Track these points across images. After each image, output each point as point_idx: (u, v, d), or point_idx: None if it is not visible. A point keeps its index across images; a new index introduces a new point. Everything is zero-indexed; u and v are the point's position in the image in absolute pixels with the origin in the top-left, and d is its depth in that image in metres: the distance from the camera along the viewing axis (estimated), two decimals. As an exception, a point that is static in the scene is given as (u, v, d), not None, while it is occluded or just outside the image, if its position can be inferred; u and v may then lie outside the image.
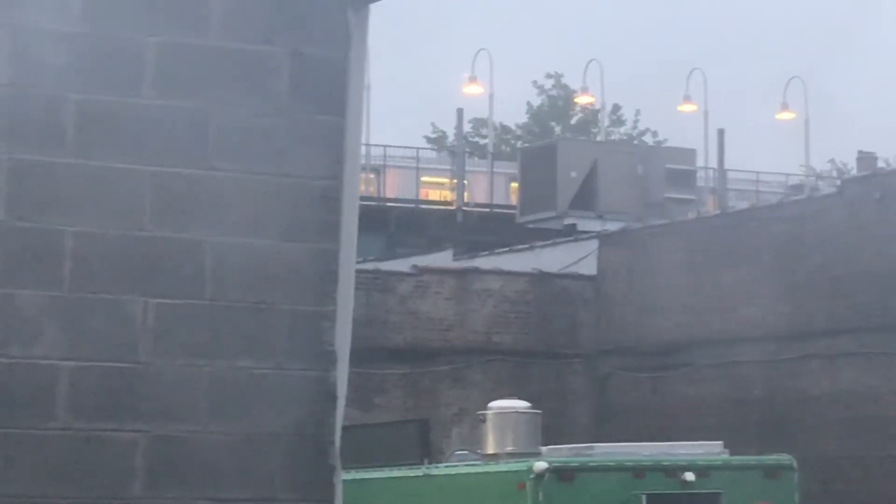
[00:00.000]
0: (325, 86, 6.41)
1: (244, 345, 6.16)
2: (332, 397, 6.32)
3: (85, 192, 6.06)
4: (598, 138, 48.17)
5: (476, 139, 54.19)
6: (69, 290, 6.00)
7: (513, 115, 56.91)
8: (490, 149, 45.29)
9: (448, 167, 41.63)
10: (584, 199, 31.91)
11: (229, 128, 6.25)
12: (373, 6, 6.53)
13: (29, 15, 5.99)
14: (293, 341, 6.23)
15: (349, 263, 6.44)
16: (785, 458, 15.85)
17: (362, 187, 37.07)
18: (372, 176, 38.87)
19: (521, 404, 16.19)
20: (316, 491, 6.30)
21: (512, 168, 39.71)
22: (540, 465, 14.62)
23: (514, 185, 40.09)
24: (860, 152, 46.57)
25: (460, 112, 39.70)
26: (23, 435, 5.98)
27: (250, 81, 6.31)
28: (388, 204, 37.57)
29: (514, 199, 37.85)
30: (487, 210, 37.82)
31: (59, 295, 5.99)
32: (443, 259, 28.43)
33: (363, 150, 37.76)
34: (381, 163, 40.41)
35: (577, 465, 14.92)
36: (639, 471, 14.98)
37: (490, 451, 15.63)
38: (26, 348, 5.99)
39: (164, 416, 6.06)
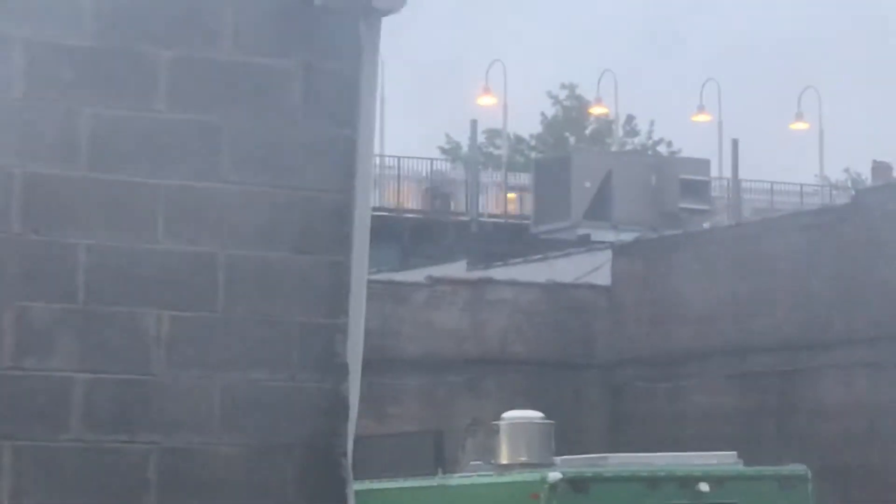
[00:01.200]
0: (336, 99, 6.44)
1: (257, 357, 6.19)
2: (345, 409, 6.34)
3: (98, 206, 6.09)
4: (613, 149, 48.18)
5: (490, 150, 54.22)
6: (83, 303, 6.03)
7: (527, 125, 56.94)
8: (504, 159, 45.32)
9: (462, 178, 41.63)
10: (598, 209, 31.92)
11: (242, 141, 6.28)
12: (385, 18, 6.56)
13: (42, 29, 6.03)
14: (305, 353, 6.26)
15: (361, 275, 6.46)
16: (800, 468, 15.83)
17: (376, 200, 37.15)
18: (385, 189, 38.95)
19: (534, 415, 16.19)
20: (328, 502, 6.32)
21: (525, 179, 39.71)
22: (554, 475, 14.62)
23: (511, 195, 40.07)
24: (875, 162, 46.52)
25: (474, 123, 39.75)
26: (37, 447, 6.01)
27: (262, 95, 6.34)
28: (403, 215, 37.61)
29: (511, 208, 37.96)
30: (501, 220, 37.85)
31: (72, 308, 6.02)
32: (457, 269, 28.47)
33: (377, 161, 37.85)
34: (395, 173, 40.42)
35: (591, 475, 14.92)
36: (653, 481, 14.97)
37: (504, 461, 15.63)
38: (40, 360, 6.02)
39: (177, 427, 6.09)
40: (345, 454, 6.34)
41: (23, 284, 6.01)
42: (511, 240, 33.23)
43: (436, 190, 39.11)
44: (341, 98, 6.45)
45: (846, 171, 58.48)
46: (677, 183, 32.23)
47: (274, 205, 6.32)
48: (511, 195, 40.63)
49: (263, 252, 6.25)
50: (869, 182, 45.99)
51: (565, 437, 18.37)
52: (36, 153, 6.07)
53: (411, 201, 40.46)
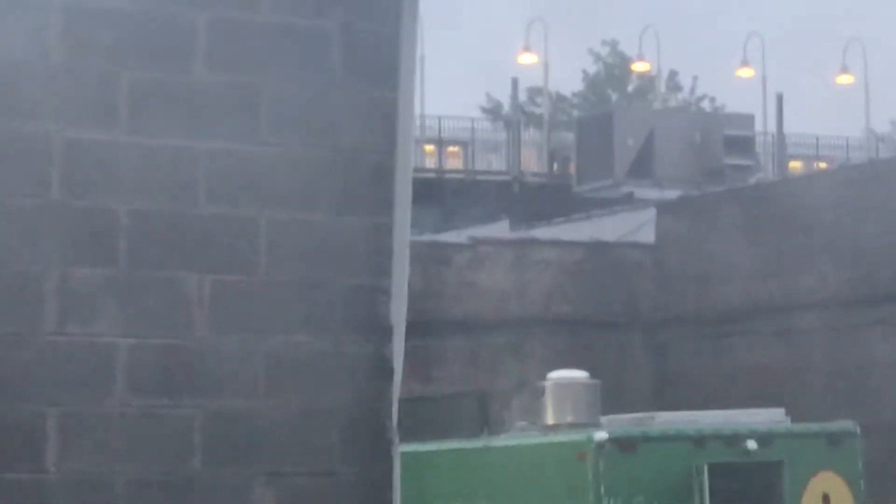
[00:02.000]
0: (377, 60, 6.37)
1: (299, 320, 6.15)
2: (389, 372, 6.29)
3: (138, 170, 6.05)
4: (656, 105, 47.90)
5: (532, 109, 54.02)
6: (125, 268, 6.00)
7: (568, 83, 56.67)
8: (546, 118, 45.14)
9: (503, 137, 41.56)
10: (642, 167, 31.77)
11: (281, 103, 6.23)
12: (424, -22, 6.48)
13: (79, -7, 5.99)
14: (348, 316, 6.21)
15: (403, 237, 6.41)
16: (848, 424, 15.74)
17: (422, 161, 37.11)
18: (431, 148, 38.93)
19: (580, 374, 16.16)
20: (374, 464, 6.28)
21: (568, 138, 39.52)
22: (600, 435, 14.59)
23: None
24: (921, 115, 45.97)
25: (515, 81, 39.61)
26: (82, 413, 5.99)
27: (302, 56, 6.28)
28: (445, 175, 37.54)
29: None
30: (544, 180, 37.73)
31: (114, 273, 5.99)
32: (499, 230, 28.42)
33: (418, 122, 37.74)
34: (436, 135, 40.36)
35: (637, 435, 14.88)
36: (700, 440, 14.92)
37: (550, 422, 15.61)
38: (84, 326, 6.00)
39: (221, 391, 6.06)
40: (390, 417, 6.30)
41: (64, 250, 5.98)
42: (554, 199, 33.13)
43: (556, 153, 38.83)
44: (381, 58, 6.38)
45: (893, 123, 57.97)
46: (721, 139, 32.04)
47: (314, 167, 6.26)
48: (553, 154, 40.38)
49: (304, 215, 6.20)
50: (916, 135, 45.52)
51: (611, 397, 18.33)
52: (75, 118, 6.04)
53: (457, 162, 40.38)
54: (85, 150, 5.90)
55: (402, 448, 6.58)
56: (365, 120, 6.27)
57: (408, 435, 8.17)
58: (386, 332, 6.20)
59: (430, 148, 39.35)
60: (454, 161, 40.29)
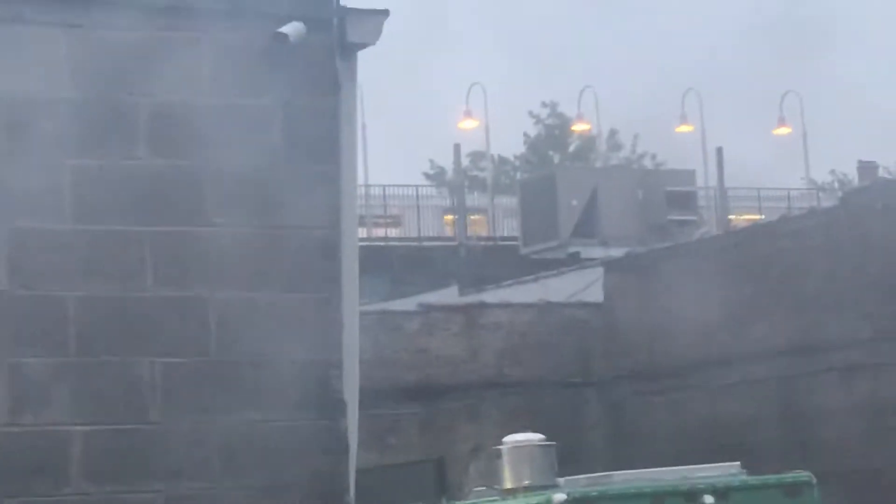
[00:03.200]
0: (318, 135, 6.44)
1: (253, 398, 6.17)
2: (344, 444, 6.32)
3: (85, 257, 6.08)
4: (597, 164, 48.20)
5: (475, 173, 54.24)
6: (76, 355, 6.01)
7: (510, 146, 56.97)
8: (489, 182, 45.35)
9: (448, 203, 41.68)
10: (586, 226, 31.92)
11: (225, 183, 6.28)
12: (360, 52, 6.56)
13: (22, 85, 6.03)
14: (301, 392, 6.24)
15: (353, 309, 6.45)
16: (804, 475, 15.76)
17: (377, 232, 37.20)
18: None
19: (535, 437, 16.13)
20: (334, 540, 6.29)
21: (511, 200, 39.71)
22: (558, 496, 14.56)
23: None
24: (860, 162, 46.58)
25: (457, 147, 39.79)
26: (39, 502, 5.97)
27: (244, 136, 6.34)
28: (391, 243, 37.59)
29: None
30: (490, 243, 37.85)
31: (65, 361, 6.00)
32: (449, 295, 28.45)
33: (362, 192, 37.82)
34: (382, 203, 40.44)
35: (595, 494, 14.85)
36: (658, 497, 14.92)
37: (508, 485, 15.57)
38: (38, 415, 5.99)
39: (178, 474, 6.06)
40: (347, 489, 6.31)
41: (14, 341, 5.99)
42: (501, 262, 33.21)
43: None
44: (322, 133, 6.45)
45: (832, 172, 58.56)
46: (664, 195, 32.25)
47: (261, 245, 6.31)
48: (497, 218, 40.61)
49: (253, 293, 6.24)
50: (856, 182, 46.10)
51: (568, 458, 18.29)
52: (20, 208, 6.06)
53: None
54: (32, 239, 5.92)
55: (361, 520, 6.58)
56: (309, 196, 6.33)
57: (367, 504, 8.16)
58: (339, 406, 6.23)
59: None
60: (398, 230, 40.40)
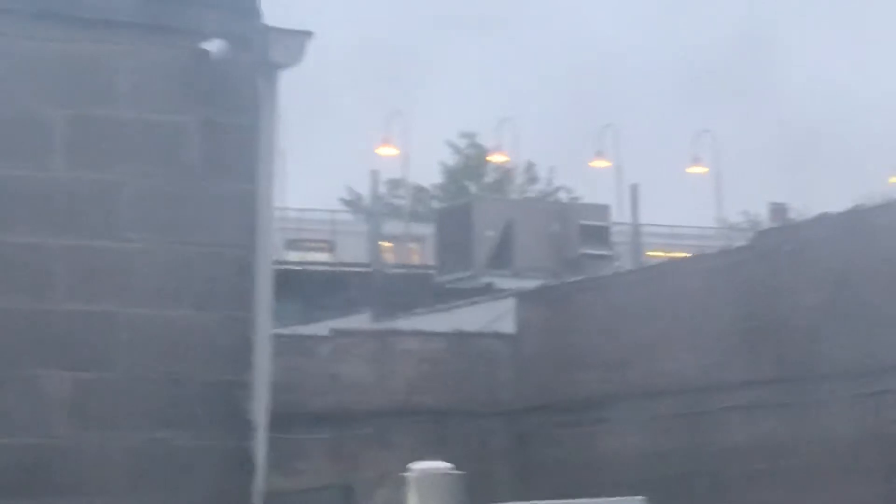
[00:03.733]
0: (236, 154, 6.41)
1: (160, 416, 6.12)
2: (252, 466, 6.28)
3: (-5, 268, 6.01)
4: (513, 196, 48.42)
5: (392, 200, 54.28)
6: (-19, 367, 5.94)
7: (428, 175, 57.10)
8: (406, 209, 45.39)
9: (364, 230, 41.67)
10: (501, 257, 32.04)
11: (141, 198, 6.24)
12: (282, 73, 6.55)
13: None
14: (210, 412, 6.20)
15: (265, 330, 6.42)
16: (707, 510, 15.91)
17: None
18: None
19: (443, 466, 16.15)
20: (237, 562, 6.25)
21: (427, 229, 39.81)
22: (464, 525, 14.57)
23: (414, 246, 40.14)
24: (772, 204, 47.11)
25: (375, 174, 39.80)
26: (-63, 516, 5.88)
27: (161, 152, 6.31)
28: (307, 268, 37.50)
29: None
30: (404, 271, 37.86)
31: (-29, 372, 5.93)
32: (361, 321, 28.42)
33: (277, 214, 37.72)
34: (295, 226, 40.36)
35: (501, 524, 14.89)
36: (563, 528, 14.98)
37: (414, 513, 15.55)
38: (-61, 427, 5.91)
39: (82, 491, 6.00)
40: (253, 512, 6.27)
41: (-81, 350, 5.90)
42: (415, 290, 33.23)
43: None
44: (241, 153, 6.43)
45: (744, 213, 59.20)
46: (578, 229, 32.45)
47: (174, 262, 6.27)
48: (413, 246, 40.75)
49: (164, 310, 6.20)
50: (766, 224, 46.62)
51: (475, 488, 18.33)
52: (-70, 216, 5.98)
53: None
54: (-59, 248, 5.85)
55: (265, 544, 6.53)
56: (225, 214, 6.30)
57: (272, 530, 8.11)
58: (248, 427, 6.19)
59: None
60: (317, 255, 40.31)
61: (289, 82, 6.67)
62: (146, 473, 6.09)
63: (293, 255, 38.94)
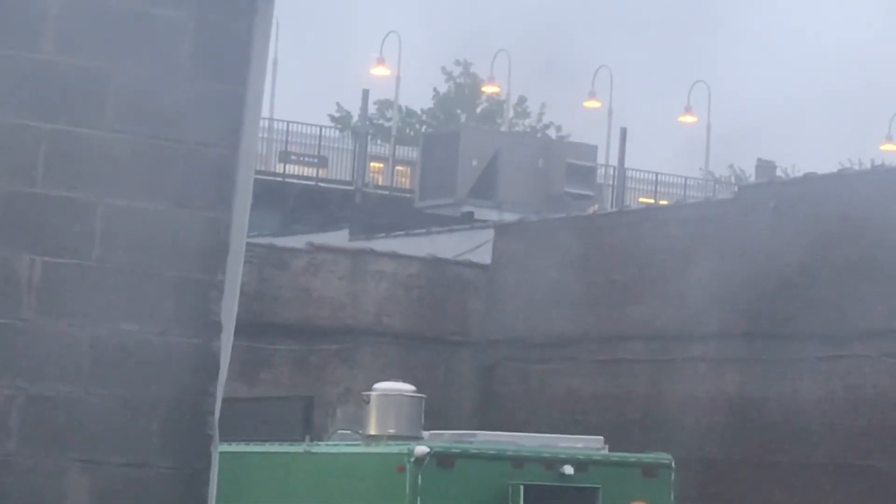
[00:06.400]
0: (228, 54, 6.37)
1: (129, 309, 6.11)
2: (215, 367, 6.29)
3: (-24, 145, 5.98)
4: (503, 129, 48.37)
5: (381, 121, 54.13)
6: (-46, 243, 5.92)
7: (419, 99, 56.94)
8: (393, 132, 45.30)
9: (350, 147, 41.61)
10: (484, 188, 32.04)
11: (129, 90, 6.19)
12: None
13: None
14: (179, 309, 6.20)
15: (241, 235, 6.40)
16: (664, 457, 16.03)
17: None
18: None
19: (405, 387, 16.23)
20: (191, 459, 6.27)
21: (414, 152, 39.75)
22: (421, 449, 14.67)
23: (400, 168, 40.07)
24: (759, 160, 47.08)
25: (366, 93, 39.65)
26: None
27: (153, 45, 6.26)
28: (288, 180, 37.43)
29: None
30: (387, 192, 37.81)
31: (-58, 247, 5.91)
32: (339, 238, 28.44)
33: (265, 124, 37.56)
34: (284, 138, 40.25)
35: (457, 451, 14.99)
36: (518, 461, 15.08)
37: (372, 432, 15.65)
38: None
39: (43, 375, 6.00)
40: (212, 413, 6.29)
41: None
42: (395, 213, 33.23)
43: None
44: (232, 53, 6.39)
45: (731, 167, 59.22)
46: (564, 167, 32.46)
47: (156, 156, 6.24)
48: (399, 167, 40.63)
49: (143, 203, 6.18)
50: (753, 179, 46.62)
51: (435, 413, 18.43)
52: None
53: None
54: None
55: (222, 447, 6.56)
56: (211, 114, 6.26)
57: (229, 434, 8.14)
58: (215, 328, 6.19)
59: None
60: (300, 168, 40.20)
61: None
62: (110, 364, 6.09)
63: (289, 168, 38.87)
